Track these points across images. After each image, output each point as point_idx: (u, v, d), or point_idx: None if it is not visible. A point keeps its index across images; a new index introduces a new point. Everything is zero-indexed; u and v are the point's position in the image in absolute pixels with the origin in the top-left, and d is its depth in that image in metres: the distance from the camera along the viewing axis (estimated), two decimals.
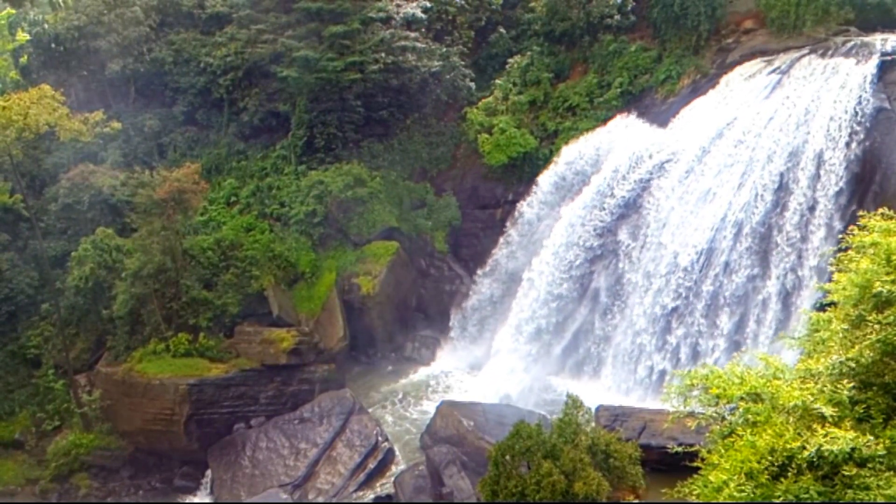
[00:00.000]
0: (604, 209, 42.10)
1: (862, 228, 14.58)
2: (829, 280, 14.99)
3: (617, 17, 47.13)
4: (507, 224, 46.87)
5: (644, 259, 40.72)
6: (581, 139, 44.64)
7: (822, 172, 36.44)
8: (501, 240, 46.86)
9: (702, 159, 39.89)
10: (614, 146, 43.15)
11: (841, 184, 35.75)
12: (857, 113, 35.74)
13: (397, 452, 38.32)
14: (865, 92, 35.95)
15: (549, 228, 44.08)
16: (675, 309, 39.02)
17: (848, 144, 36.01)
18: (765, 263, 37.38)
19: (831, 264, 15.51)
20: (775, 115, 38.54)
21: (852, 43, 39.52)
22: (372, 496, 36.05)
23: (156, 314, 41.31)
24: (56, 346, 42.65)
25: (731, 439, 12.72)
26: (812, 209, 36.54)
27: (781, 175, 37.36)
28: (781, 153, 37.42)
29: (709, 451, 13.40)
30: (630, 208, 41.92)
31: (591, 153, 43.88)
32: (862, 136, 35.62)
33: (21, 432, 41.59)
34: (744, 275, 37.47)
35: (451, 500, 32.98)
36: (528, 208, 45.91)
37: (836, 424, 11.52)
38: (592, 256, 42.64)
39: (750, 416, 12.70)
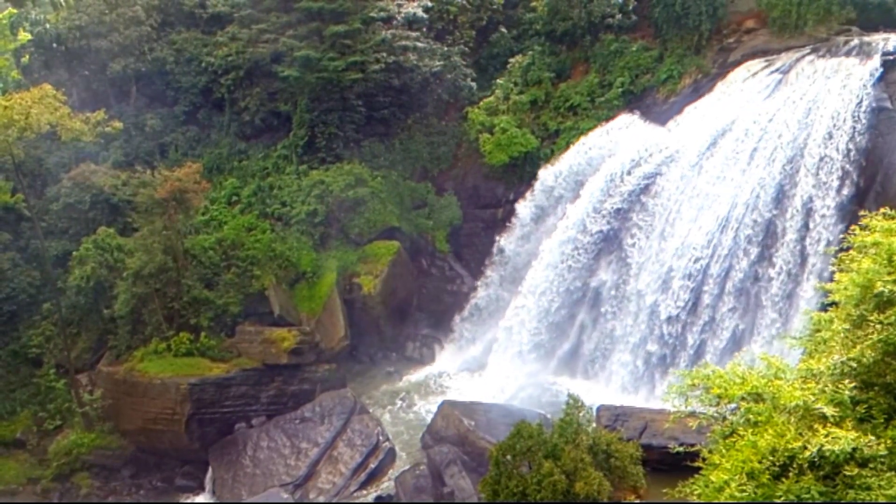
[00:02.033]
0: (577, 248, 40.93)
1: (863, 228, 14.55)
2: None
3: (618, 16, 47.12)
4: (486, 264, 46.13)
5: (624, 309, 39.78)
6: (558, 161, 44.13)
7: (811, 223, 34.97)
8: (479, 282, 46.26)
9: (681, 195, 38.33)
10: (593, 164, 42.15)
11: (831, 235, 34.09)
12: (857, 114, 35.38)
13: (398, 452, 38.33)
14: (867, 92, 35.81)
15: (528, 268, 42.86)
16: (662, 358, 37.87)
17: (840, 189, 34.11)
18: (752, 316, 36.08)
19: (833, 264, 15.50)
20: (759, 147, 36.80)
21: (854, 43, 39.44)
22: (373, 496, 36.06)
23: (157, 314, 41.32)
24: (57, 346, 42.68)
25: (733, 439, 12.69)
26: (802, 263, 34.95)
27: (768, 223, 36.11)
28: (766, 196, 35.86)
29: (710, 451, 13.37)
30: (610, 242, 40.69)
31: (567, 174, 43.13)
32: (863, 135, 35.15)
33: (22, 432, 41.61)
34: (727, 335, 36.24)
35: (452, 499, 32.99)
36: (506, 243, 45.48)
37: (838, 424, 11.49)
38: (573, 300, 41.52)
39: (751, 416, 12.66)
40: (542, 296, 41.89)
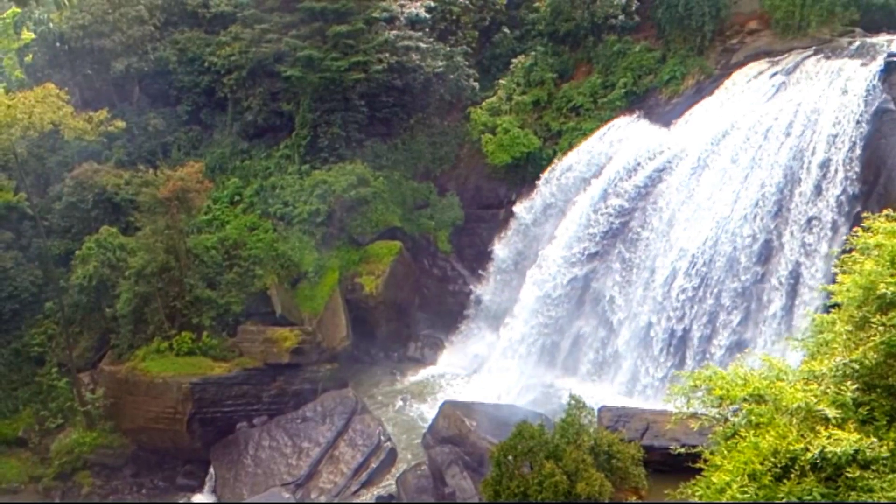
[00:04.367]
0: (548, 303, 39.89)
1: (866, 230, 14.53)
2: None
3: (621, 17, 47.05)
4: (468, 307, 45.84)
5: (604, 376, 39.00)
6: (534, 194, 43.76)
7: (799, 290, 32.95)
8: (453, 337, 45.93)
9: (659, 241, 36.96)
10: (568, 194, 41.43)
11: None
12: (860, 115, 35.06)
13: (399, 452, 38.33)
14: (870, 93, 35.65)
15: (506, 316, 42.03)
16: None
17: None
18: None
19: (835, 266, 15.47)
20: (741, 196, 35.13)
21: (857, 44, 39.33)
22: (374, 496, 36.08)
23: (159, 313, 41.36)
24: (59, 345, 42.76)
25: (734, 440, 12.68)
26: (788, 321, 32.94)
27: (750, 290, 33.92)
28: (748, 259, 33.86)
29: (712, 453, 13.36)
30: (585, 289, 39.48)
31: (540, 207, 42.66)
32: (865, 139, 34.26)
33: (24, 430, 41.70)
34: None
35: (454, 500, 32.98)
36: (483, 292, 45.12)
37: (840, 426, 11.49)
38: (555, 352, 40.67)
39: (753, 418, 12.66)
40: (521, 359, 41.21)
